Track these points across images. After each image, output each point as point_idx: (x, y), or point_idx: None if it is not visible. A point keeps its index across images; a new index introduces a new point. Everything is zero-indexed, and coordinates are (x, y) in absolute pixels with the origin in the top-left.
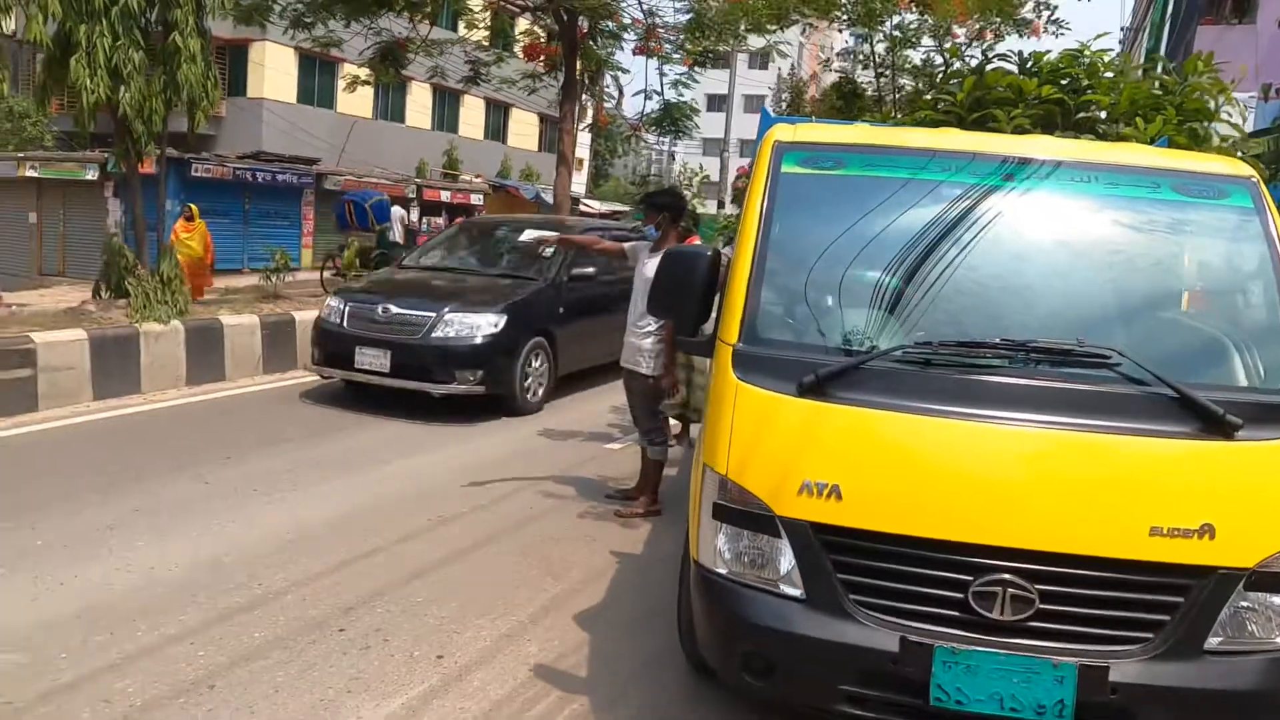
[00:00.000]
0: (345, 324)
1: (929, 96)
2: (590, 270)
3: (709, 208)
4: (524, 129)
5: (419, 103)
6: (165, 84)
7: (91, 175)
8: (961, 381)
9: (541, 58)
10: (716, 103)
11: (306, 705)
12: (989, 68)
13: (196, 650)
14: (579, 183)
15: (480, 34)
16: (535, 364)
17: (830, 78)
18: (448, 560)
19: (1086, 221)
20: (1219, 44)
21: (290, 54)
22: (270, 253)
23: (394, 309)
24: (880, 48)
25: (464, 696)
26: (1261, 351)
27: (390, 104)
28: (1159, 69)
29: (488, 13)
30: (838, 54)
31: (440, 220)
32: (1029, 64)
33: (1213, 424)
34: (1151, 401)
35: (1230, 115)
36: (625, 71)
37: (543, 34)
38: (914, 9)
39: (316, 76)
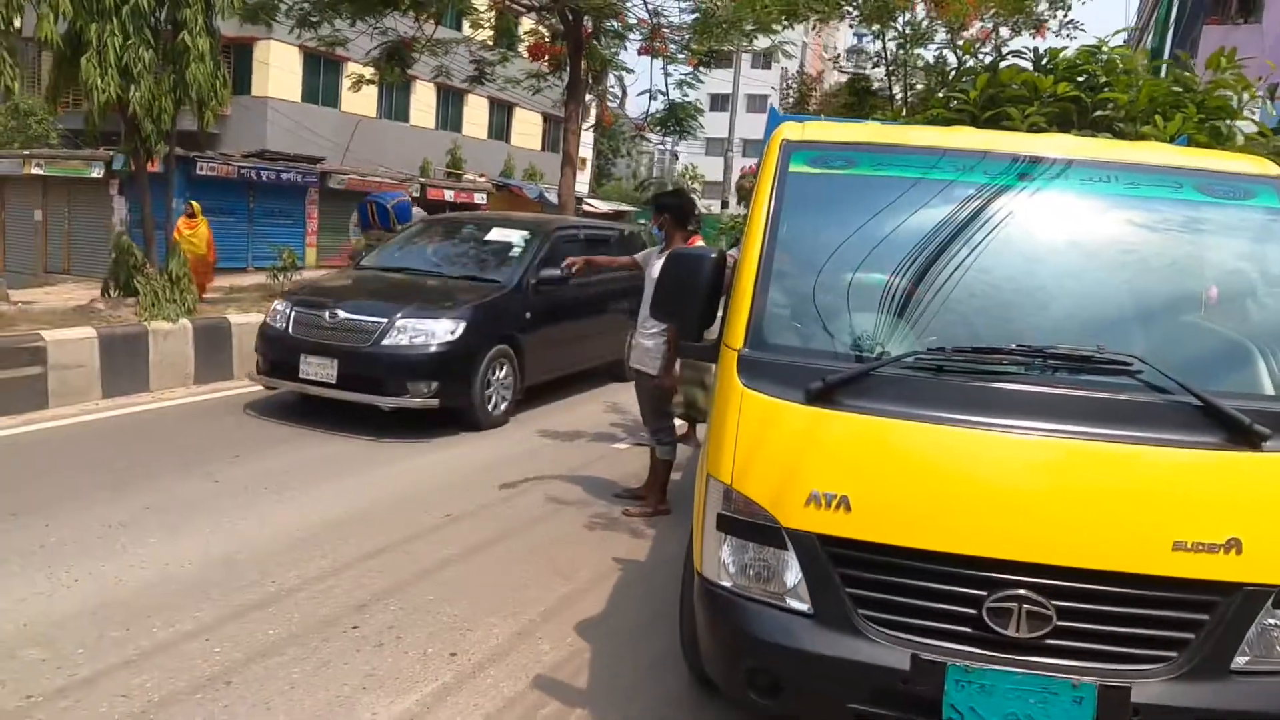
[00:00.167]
0: (290, 329)
1: (941, 94)
2: (560, 272)
3: (713, 208)
4: (528, 128)
5: (423, 102)
6: (174, 83)
7: (97, 173)
8: (976, 389)
9: (546, 57)
10: (720, 102)
11: (322, 701)
12: (1003, 64)
13: (212, 647)
14: (582, 182)
15: (485, 33)
16: (498, 374)
17: (835, 77)
18: (455, 559)
19: (1105, 222)
20: (1225, 43)
21: (295, 53)
22: (276, 251)
23: (342, 314)
24: (891, 45)
25: (477, 693)
26: None
27: (394, 103)
28: (1163, 70)
29: (493, 12)
30: (847, 51)
31: None
32: (1044, 61)
33: (1239, 434)
34: (1174, 410)
35: (1254, 113)
36: (630, 71)
37: (547, 34)
38: (926, 4)
39: (321, 75)
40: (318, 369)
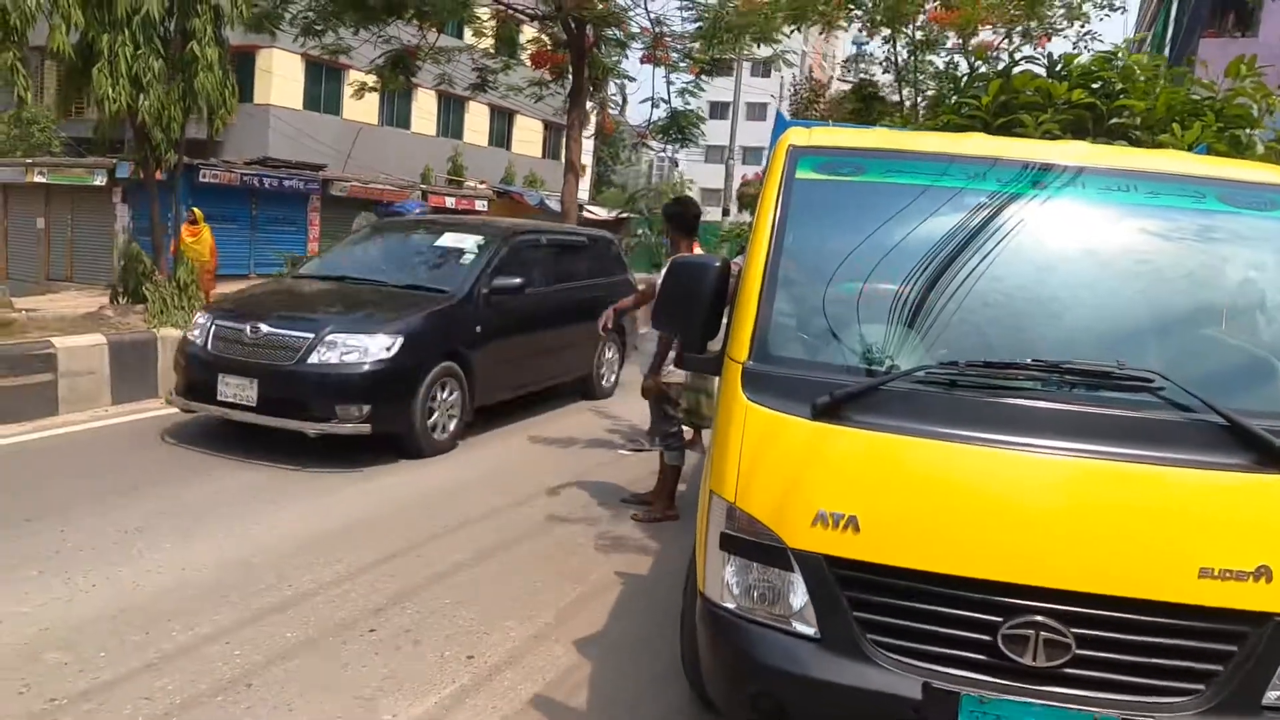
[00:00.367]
0: (209, 346)
1: (953, 100)
2: (517, 281)
3: (713, 215)
4: (528, 135)
5: (424, 109)
6: (183, 92)
7: (100, 181)
8: (990, 405)
9: (548, 65)
10: (719, 110)
11: (343, 703)
12: (1016, 70)
13: (232, 650)
14: (582, 189)
15: (487, 42)
16: (443, 395)
17: (839, 86)
18: (467, 564)
19: (1124, 233)
20: (1223, 56)
21: (297, 61)
22: (281, 258)
23: (265, 328)
24: (902, 51)
25: (495, 696)
26: None
27: (396, 110)
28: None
29: (495, 21)
30: (845, 60)
31: None
32: (1058, 67)
33: (1267, 455)
34: (1199, 430)
35: (1276, 122)
36: (631, 79)
37: (549, 42)
38: (930, 15)
39: (323, 83)
40: (236, 390)
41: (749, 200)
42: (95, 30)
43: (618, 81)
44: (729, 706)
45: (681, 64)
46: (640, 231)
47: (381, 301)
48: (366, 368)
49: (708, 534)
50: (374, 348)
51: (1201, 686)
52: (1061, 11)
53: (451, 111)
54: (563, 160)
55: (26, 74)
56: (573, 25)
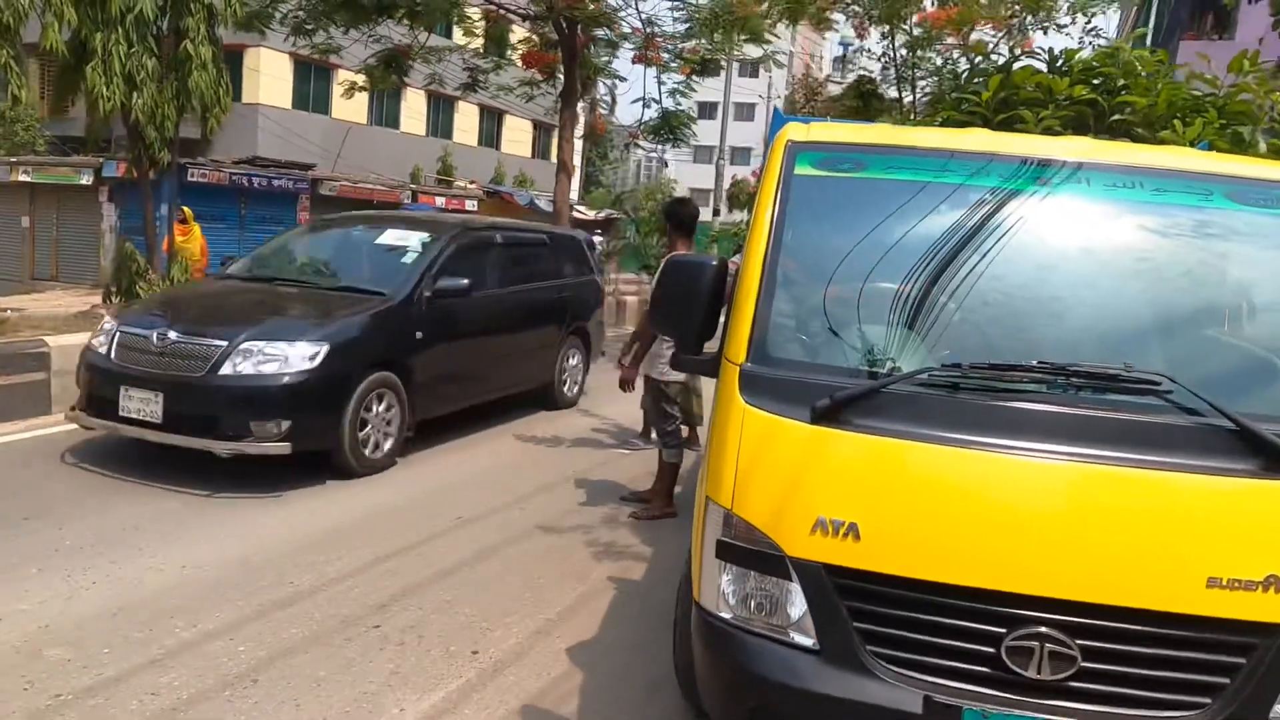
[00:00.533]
0: (112, 355)
1: (953, 96)
2: (463, 282)
3: (704, 214)
4: (518, 135)
5: (414, 109)
6: (177, 90)
7: (86, 180)
8: (994, 409)
9: (540, 66)
10: (707, 110)
11: (349, 698)
12: (1016, 66)
13: (236, 646)
14: (571, 189)
15: (477, 42)
16: (378, 408)
17: (831, 89)
18: (470, 561)
19: (1130, 231)
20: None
21: (285, 60)
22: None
23: (174, 335)
24: (900, 47)
25: (502, 690)
26: None
27: (385, 110)
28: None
29: (487, 21)
30: (842, 59)
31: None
32: (1059, 63)
33: (1277, 461)
34: (1207, 434)
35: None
36: (622, 79)
37: (537, 40)
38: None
39: (312, 82)
40: (140, 405)
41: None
42: (88, 28)
43: (607, 82)
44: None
45: (673, 64)
46: (627, 233)
47: (309, 305)
48: (286, 379)
49: (703, 541)
50: (295, 356)
51: (1208, 700)
52: (1065, 6)
53: (441, 111)
54: (552, 160)
55: (21, 71)
56: (564, 25)
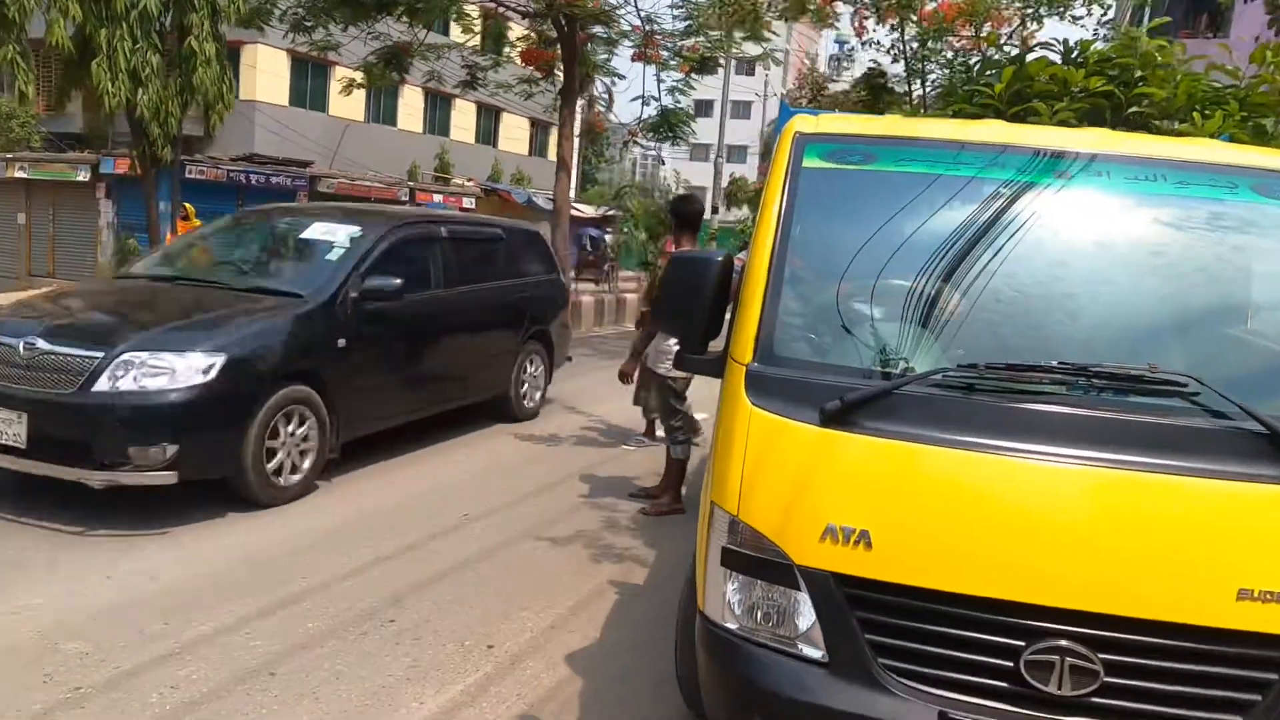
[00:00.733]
0: None
1: (965, 89)
2: (395, 282)
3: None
4: (515, 133)
5: (411, 106)
6: (181, 87)
7: (83, 177)
8: (1012, 411)
9: (539, 63)
10: (704, 108)
11: (368, 691)
12: (1030, 57)
13: (252, 640)
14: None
15: (475, 39)
16: (291, 427)
17: (836, 86)
18: (477, 559)
19: (1153, 226)
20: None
21: (283, 57)
22: None
23: (43, 344)
24: (910, 39)
25: (519, 684)
26: None
27: (382, 107)
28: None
29: (485, 18)
30: (842, 50)
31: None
32: (1074, 54)
33: None
34: (1236, 438)
35: None
36: (621, 77)
37: (535, 37)
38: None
39: (309, 79)
40: (2, 427)
41: (737, 198)
42: (93, 24)
43: (604, 80)
44: None
45: (672, 62)
46: (624, 230)
47: (211, 309)
48: (174, 396)
49: (708, 549)
50: (184, 369)
51: (1238, 718)
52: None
53: (438, 108)
54: (549, 157)
55: (27, 67)
56: (563, 23)
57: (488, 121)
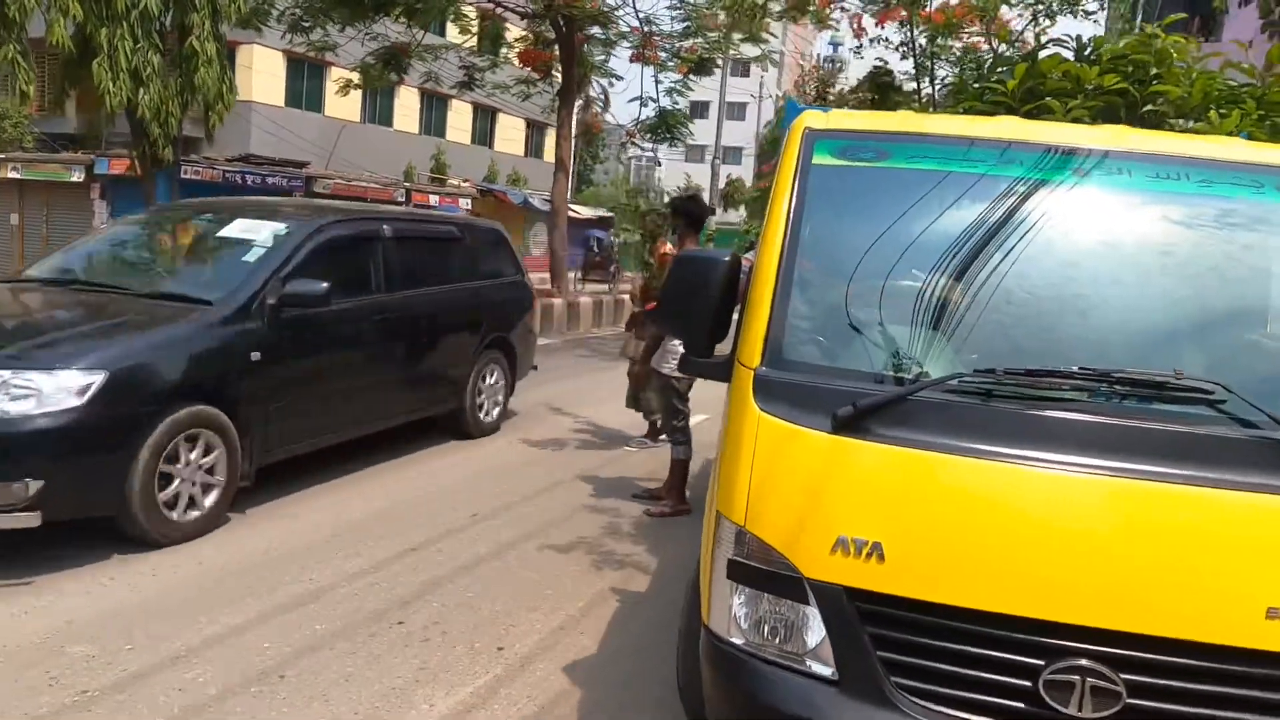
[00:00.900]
0: None
1: (976, 86)
2: (320, 287)
3: None
4: (511, 134)
5: (407, 107)
6: (182, 87)
7: (77, 177)
8: (1032, 418)
9: (537, 64)
10: (699, 109)
11: (378, 693)
12: (1043, 54)
13: (261, 641)
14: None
15: (472, 40)
16: (192, 454)
17: (840, 85)
18: (486, 558)
19: (1176, 226)
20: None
21: (279, 57)
22: None
23: None
24: (919, 37)
25: (530, 686)
26: None
27: (378, 108)
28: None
29: (483, 19)
30: (831, 59)
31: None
32: (1088, 51)
33: None
34: (1266, 448)
35: None
36: (619, 78)
37: (532, 37)
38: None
39: (305, 80)
40: None
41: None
42: (93, 23)
43: (601, 81)
44: None
45: (670, 63)
46: (626, 228)
47: (98, 318)
48: (40, 422)
49: (713, 560)
50: (54, 390)
51: None
52: None
53: (434, 109)
54: (545, 159)
55: (28, 67)
56: (561, 23)
57: (484, 122)
